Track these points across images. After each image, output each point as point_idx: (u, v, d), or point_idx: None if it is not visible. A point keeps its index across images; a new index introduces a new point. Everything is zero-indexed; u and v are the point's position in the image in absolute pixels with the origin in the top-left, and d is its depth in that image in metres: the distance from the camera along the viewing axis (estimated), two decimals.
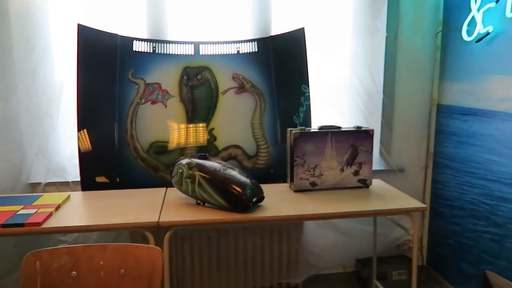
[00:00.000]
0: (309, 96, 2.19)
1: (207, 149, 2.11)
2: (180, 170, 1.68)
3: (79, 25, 2.01)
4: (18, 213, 1.55)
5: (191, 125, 2.10)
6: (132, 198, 1.78)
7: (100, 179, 2.02)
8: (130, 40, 2.10)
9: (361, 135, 1.92)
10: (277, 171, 2.15)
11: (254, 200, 1.62)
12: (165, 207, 1.67)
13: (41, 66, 1.99)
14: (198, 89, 2.13)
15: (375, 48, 2.28)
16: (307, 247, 2.33)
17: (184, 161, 1.71)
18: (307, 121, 2.19)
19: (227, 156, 2.13)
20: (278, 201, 1.74)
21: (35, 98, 1.98)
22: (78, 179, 2.00)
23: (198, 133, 2.11)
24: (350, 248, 2.40)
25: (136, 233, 2.01)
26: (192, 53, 2.15)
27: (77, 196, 1.83)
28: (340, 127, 1.92)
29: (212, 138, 2.13)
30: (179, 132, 2.09)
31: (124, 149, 2.02)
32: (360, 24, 2.25)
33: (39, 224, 1.45)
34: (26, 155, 1.98)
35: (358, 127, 1.93)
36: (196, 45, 2.16)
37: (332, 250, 2.37)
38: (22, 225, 1.45)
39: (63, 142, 2.08)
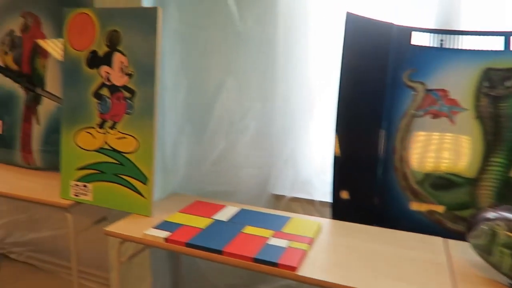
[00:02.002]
0: None
1: None
2: (492, 231, 1.10)
3: (348, 14, 1.63)
4: (268, 242, 1.29)
5: (493, 154, 1.46)
6: (399, 247, 1.31)
7: (344, 194, 1.64)
8: (408, 31, 1.60)
9: None
10: None
11: None
12: (459, 279, 1.12)
13: (301, 63, 1.72)
14: (506, 101, 1.46)
15: None
16: None
17: (498, 217, 1.11)
18: None
19: None
20: None
21: (292, 100, 1.73)
22: (326, 199, 1.67)
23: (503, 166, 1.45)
24: None
25: None
26: (500, 48, 1.49)
27: (329, 227, 1.48)
28: None
29: None
30: (472, 161, 1.48)
31: (389, 172, 1.56)
32: None
33: (293, 269, 1.14)
34: (276, 162, 1.76)
35: None
36: (507, 37, 1.48)
37: None
38: (275, 264, 1.17)
39: (314, 152, 1.78)
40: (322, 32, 1.71)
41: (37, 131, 2.07)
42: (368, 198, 1.62)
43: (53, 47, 2.09)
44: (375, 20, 1.63)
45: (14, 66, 2.11)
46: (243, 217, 1.50)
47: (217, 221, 1.47)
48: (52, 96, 2.03)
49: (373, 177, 1.60)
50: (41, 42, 2.08)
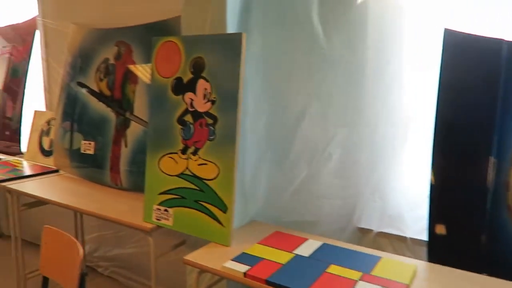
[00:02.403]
0: None
1: None
2: None
3: (446, 30, 1.47)
4: (357, 287, 1.16)
5: None
6: None
7: (440, 229, 1.44)
8: None
9: None
10: None
11: None
12: None
13: (392, 85, 1.58)
14: None
15: None
16: None
17: None
18: None
19: None
20: None
21: (380, 126, 1.59)
22: (420, 237, 1.49)
23: None
24: None
25: None
26: None
27: (425, 272, 1.30)
28: None
29: None
30: None
31: (501, 209, 1.34)
32: None
33: None
34: (362, 193, 1.62)
35: None
36: None
37: None
38: None
39: (406, 183, 1.61)
40: (417, 51, 1.56)
41: (124, 152, 2.17)
42: (472, 236, 1.41)
43: (142, 71, 2.19)
44: (479, 36, 1.44)
45: (107, 92, 2.25)
46: (326, 253, 1.39)
47: (298, 256, 1.37)
48: (139, 120, 2.11)
49: (479, 211, 1.39)
50: (132, 67, 2.20)
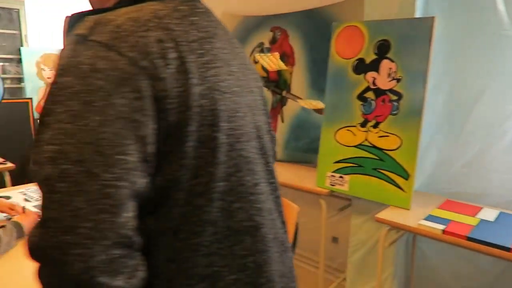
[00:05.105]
0: None
1: None
2: None
3: None
4: None
5: None
6: None
7: None
8: None
9: None
10: None
11: None
12: None
13: None
14: None
15: None
16: None
17: None
18: None
19: None
20: None
21: None
22: None
23: None
24: None
25: None
26: None
27: None
28: None
29: None
30: None
31: None
32: None
33: None
34: None
35: None
36: None
37: None
38: None
39: None
40: None
41: (280, 127, 2.42)
42: None
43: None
44: None
45: (263, 73, 2.51)
46: (510, 221, 1.51)
47: (484, 220, 1.51)
48: (297, 98, 2.35)
49: None
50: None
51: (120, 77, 0.51)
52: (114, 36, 0.53)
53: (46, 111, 0.52)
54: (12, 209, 1.44)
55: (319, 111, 2.25)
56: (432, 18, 1.56)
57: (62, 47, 0.55)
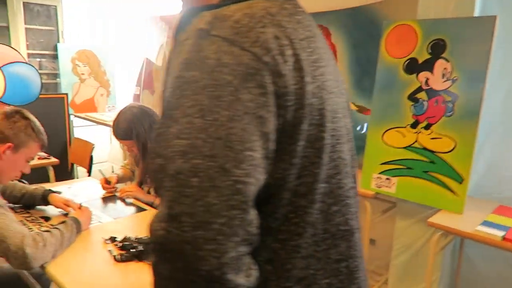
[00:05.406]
0: None
1: None
2: None
3: None
4: None
5: None
6: None
7: None
8: None
9: None
10: None
11: None
12: None
13: None
14: None
15: None
16: None
17: None
18: None
19: None
20: None
21: None
22: None
23: None
24: None
25: None
26: None
27: None
28: None
29: None
30: None
31: None
32: None
33: None
34: None
35: None
36: None
37: None
38: None
39: None
40: None
41: None
42: None
43: None
44: None
45: None
46: None
47: None
48: None
49: None
50: None
51: (245, 72, 0.50)
52: (235, 31, 0.52)
53: (171, 105, 0.51)
54: (67, 205, 1.46)
55: (361, 110, 2.21)
56: (494, 17, 1.51)
57: (170, 43, 0.55)
